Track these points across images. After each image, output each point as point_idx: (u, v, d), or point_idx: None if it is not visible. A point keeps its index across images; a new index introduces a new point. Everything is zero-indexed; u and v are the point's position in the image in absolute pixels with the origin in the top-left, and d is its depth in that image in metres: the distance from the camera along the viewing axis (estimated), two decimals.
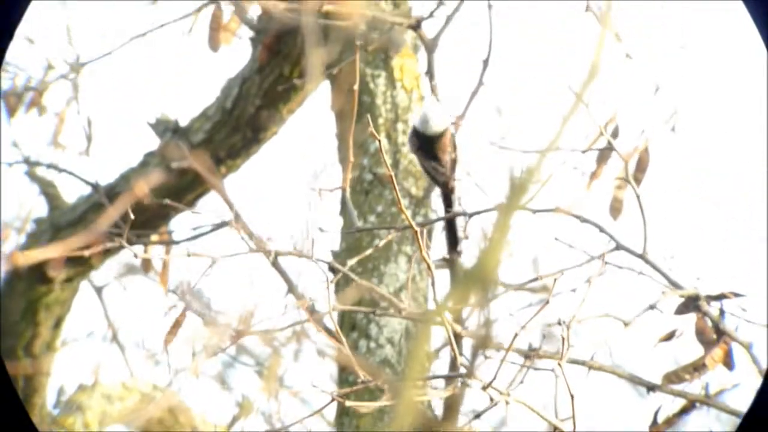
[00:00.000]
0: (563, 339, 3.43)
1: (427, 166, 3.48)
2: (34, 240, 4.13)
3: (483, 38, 3.64)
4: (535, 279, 3.91)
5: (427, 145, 3.40)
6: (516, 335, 3.47)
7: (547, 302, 3.76)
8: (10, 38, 2.98)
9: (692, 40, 4.15)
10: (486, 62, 3.66)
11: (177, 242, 3.62)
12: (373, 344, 3.66)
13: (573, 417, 3.37)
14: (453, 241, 3.57)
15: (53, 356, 4.29)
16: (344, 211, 3.69)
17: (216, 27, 3.82)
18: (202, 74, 4.16)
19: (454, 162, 3.52)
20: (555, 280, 3.63)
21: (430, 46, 3.59)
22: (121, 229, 3.33)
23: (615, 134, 4.17)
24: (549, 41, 3.77)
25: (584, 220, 3.67)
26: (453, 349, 3.37)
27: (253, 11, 3.87)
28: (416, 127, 3.44)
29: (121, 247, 3.39)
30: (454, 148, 3.51)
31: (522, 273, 4.09)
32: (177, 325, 3.40)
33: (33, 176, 4.23)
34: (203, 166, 3.67)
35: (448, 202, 3.50)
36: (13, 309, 4.21)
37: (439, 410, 3.39)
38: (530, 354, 3.67)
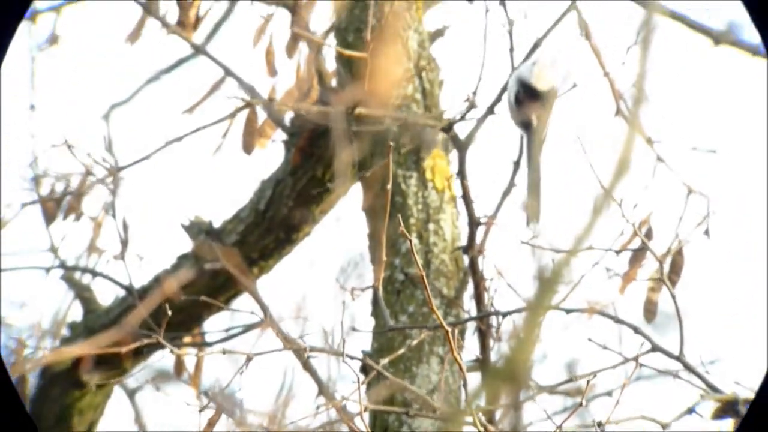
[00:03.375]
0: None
1: (523, 118, 3.46)
2: (68, 344, 4.14)
3: (514, 139, 3.66)
4: (569, 381, 3.88)
5: (529, 93, 3.42)
6: None
7: (581, 404, 3.72)
8: (10, 38, 3.01)
9: (723, 142, 4.16)
10: (517, 163, 3.67)
11: (210, 343, 3.62)
12: None
13: None
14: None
15: None
16: (376, 310, 3.68)
17: (250, 131, 3.87)
18: (236, 176, 4.19)
19: (544, 125, 3.51)
20: (588, 382, 3.59)
21: (462, 147, 3.61)
22: (154, 330, 3.33)
23: (649, 235, 4.16)
24: (581, 142, 3.78)
25: (619, 321, 3.64)
26: None
27: (287, 115, 3.92)
28: (524, 77, 3.47)
29: (154, 347, 3.39)
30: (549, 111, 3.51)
31: (556, 374, 4.05)
32: (210, 426, 3.38)
33: (69, 281, 4.25)
34: (236, 266, 3.68)
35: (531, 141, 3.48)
36: (47, 415, 4.21)
37: None
38: None
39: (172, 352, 3.30)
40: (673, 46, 4.05)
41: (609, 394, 4.63)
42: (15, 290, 4.23)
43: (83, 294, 4.19)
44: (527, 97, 3.47)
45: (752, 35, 3.55)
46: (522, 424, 3.54)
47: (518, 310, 3.47)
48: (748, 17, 3.05)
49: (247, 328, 3.45)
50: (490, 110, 3.61)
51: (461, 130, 3.65)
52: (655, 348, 3.56)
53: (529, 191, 3.50)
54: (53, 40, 4.35)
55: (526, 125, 3.52)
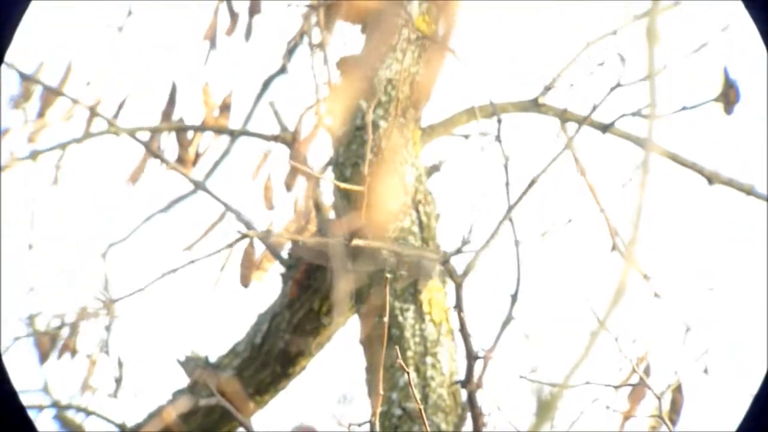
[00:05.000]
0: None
1: None
2: None
3: (511, 273, 3.65)
4: None
5: None
6: None
7: None
8: (10, 38, 2.99)
9: (720, 280, 4.15)
10: (514, 297, 3.65)
11: None
12: None
13: None
14: None
15: None
16: None
17: (248, 263, 3.86)
18: (233, 310, 4.17)
19: None
20: None
21: (459, 281, 3.60)
22: None
23: (647, 372, 4.12)
24: (578, 274, 3.78)
25: None
26: None
27: (284, 247, 3.91)
28: None
29: None
30: None
31: None
32: None
33: (62, 420, 4.19)
34: (233, 398, 3.64)
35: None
36: None
37: None
38: None
39: None
40: (669, 183, 4.07)
41: None
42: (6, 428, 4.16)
43: None
44: None
45: (749, 101, 3.54)
46: None
47: None
48: (748, 17, 3.05)
49: None
50: (486, 244, 3.61)
51: (458, 263, 3.65)
52: None
53: None
54: (54, 180, 4.37)
55: None
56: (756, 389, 2.96)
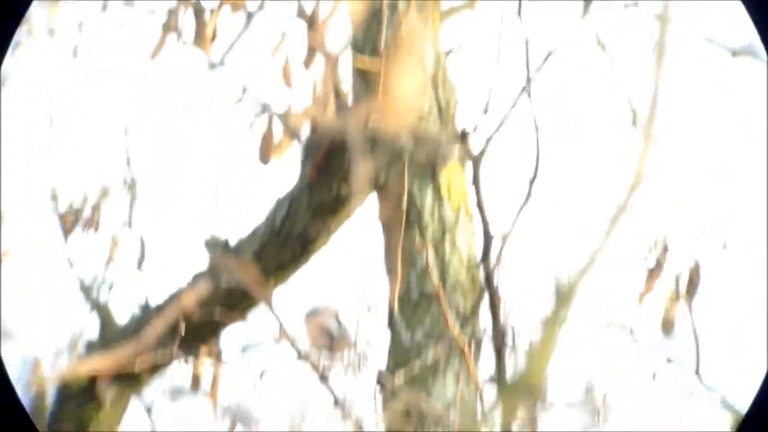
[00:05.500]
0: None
1: None
2: (85, 358, 4.13)
3: (531, 152, 3.65)
4: (585, 397, 3.85)
5: None
6: None
7: (597, 421, 3.70)
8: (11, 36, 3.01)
9: (740, 158, 4.13)
10: (533, 178, 3.65)
11: (226, 357, 3.61)
12: None
13: None
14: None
15: None
16: (392, 326, 3.67)
17: (267, 141, 3.86)
18: (252, 193, 4.19)
19: None
20: (604, 398, 3.57)
21: (476, 160, 3.59)
22: (170, 345, 3.33)
23: (665, 253, 4.14)
24: (596, 154, 3.77)
25: (636, 337, 3.62)
26: None
27: (303, 129, 3.91)
28: None
29: (170, 362, 3.39)
30: None
31: (574, 391, 4.03)
32: None
33: (86, 297, 4.25)
34: (252, 279, 3.68)
35: None
36: (64, 430, 4.20)
37: None
38: None
39: (186, 361, 3.30)
40: (688, 56, 4.03)
41: (626, 410, 4.61)
42: (32, 305, 4.23)
43: (100, 310, 4.18)
44: None
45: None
46: None
47: (534, 325, 3.44)
48: (748, 17, 3.03)
49: (263, 342, 3.44)
50: (504, 120, 3.60)
51: (476, 144, 3.64)
52: (672, 363, 3.54)
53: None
54: (74, 52, 4.36)
55: None
56: (755, 390, 2.99)
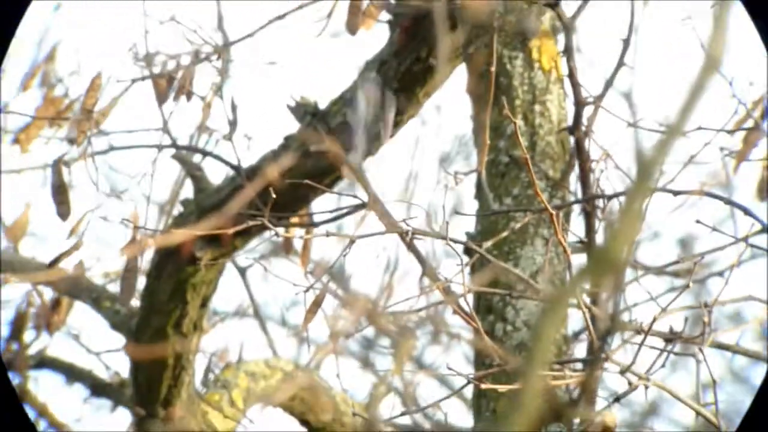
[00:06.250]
0: (705, 323, 3.37)
1: None
2: (180, 221, 4.21)
3: (624, 15, 3.59)
4: (676, 262, 3.84)
5: None
6: (655, 319, 3.42)
7: (688, 286, 3.69)
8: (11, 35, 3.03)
9: None
10: (627, 41, 3.60)
11: (316, 224, 3.65)
12: (509, 327, 3.63)
13: (715, 402, 3.30)
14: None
15: (200, 335, 4.38)
16: (480, 193, 3.67)
17: (355, 10, 3.83)
18: (341, 57, 4.18)
19: None
20: (696, 263, 3.55)
21: (568, 25, 3.55)
22: (262, 211, 3.38)
23: (762, 115, 4.06)
24: (689, 20, 3.69)
25: (729, 202, 3.59)
26: (590, 332, 3.34)
27: None
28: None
29: (263, 228, 3.43)
30: None
31: (667, 256, 4.02)
32: (316, 305, 3.43)
33: (181, 160, 4.31)
34: (341, 148, 3.69)
35: None
36: (162, 289, 4.31)
37: (575, 394, 3.36)
38: (671, 338, 3.60)
39: (276, 234, 3.35)
40: None
41: (719, 274, 4.59)
42: (128, 167, 4.31)
43: (194, 173, 4.24)
44: None
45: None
46: (619, 304, 3.53)
47: (624, 192, 3.43)
48: (748, 17, 2.94)
49: (353, 209, 3.47)
50: None
51: (568, 8, 3.58)
52: (766, 229, 3.50)
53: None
54: None
55: None
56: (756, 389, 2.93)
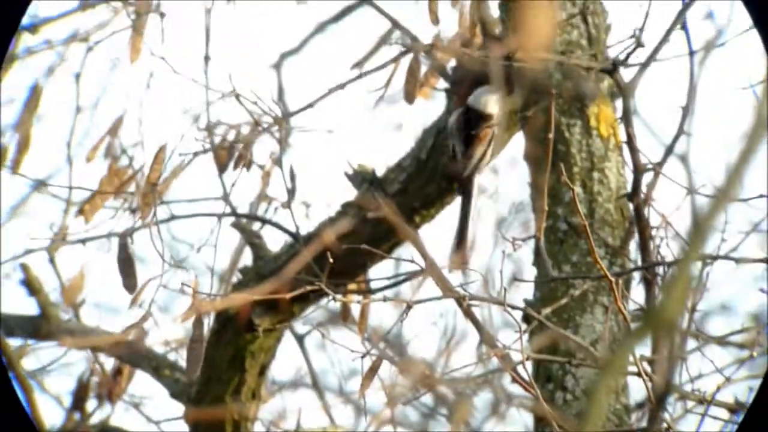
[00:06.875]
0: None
1: (455, 146, 3.56)
2: (239, 289, 4.24)
3: (683, 84, 3.58)
4: (740, 331, 3.80)
5: (471, 121, 3.54)
6: (718, 388, 3.38)
7: (752, 356, 3.64)
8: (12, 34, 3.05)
9: None
10: (686, 108, 3.59)
11: (373, 291, 3.66)
12: (569, 396, 3.60)
13: None
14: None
15: (259, 403, 4.38)
16: (538, 260, 3.66)
17: (412, 80, 3.87)
18: (399, 125, 4.21)
19: (483, 156, 3.59)
20: (759, 332, 3.51)
21: (627, 92, 3.54)
22: (319, 277, 3.39)
23: None
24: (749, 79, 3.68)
25: None
26: (649, 400, 3.30)
27: (449, 63, 3.90)
28: (469, 103, 3.54)
29: (321, 293, 3.45)
30: (489, 143, 3.58)
31: (732, 324, 3.97)
32: (373, 371, 3.43)
33: (240, 228, 4.34)
34: (397, 216, 3.71)
35: (465, 196, 3.60)
36: (222, 357, 4.32)
37: None
38: (736, 408, 3.56)
39: (334, 299, 3.35)
40: None
41: None
42: (190, 236, 4.35)
43: (253, 241, 4.27)
44: (468, 122, 3.54)
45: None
46: (682, 374, 3.49)
47: (682, 260, 3.40)
48: (749, 17, 2.92)
49: (409, 276, 3.48)
50: (656, 52, 3.53)
51: (626, 75, 3.59)
52: None
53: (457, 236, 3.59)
54: None
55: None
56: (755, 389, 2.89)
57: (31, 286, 4.55)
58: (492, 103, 3.64)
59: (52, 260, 4.61)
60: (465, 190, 3.64)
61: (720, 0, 3.92)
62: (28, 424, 2.99)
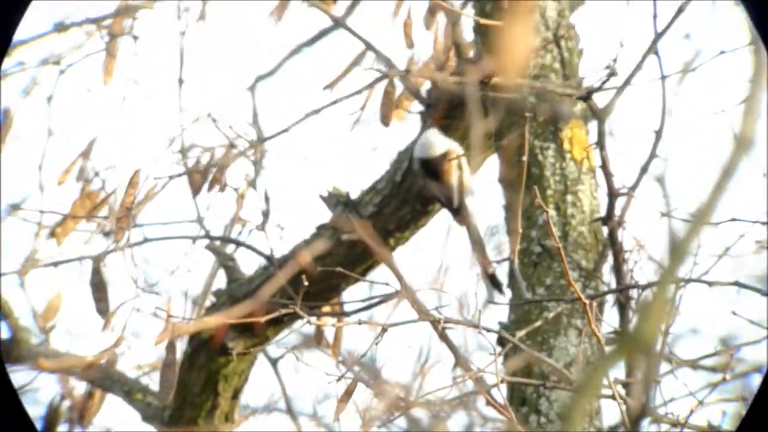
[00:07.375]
0: (742, 416, 3.33)
1: (437, 193, 3.59)
2: (213, 312, 4.23)
3: (656, 108, 3.61)
4: (712, 354, 3.82)
5: (431, 170, 3.56)
6: (692, 411, 3.39)
7: (725, 379, 3.65)
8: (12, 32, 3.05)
9: None
10: (659, 133, 3.61)
11: (348, 313, 3.66)
12: (543, 419, 3.61)
13: None
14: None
15: (233, 426, 4.37)
16: (512, 282, 3.67)
17: (387, 103, 3.88)
18: (373, 148, 4.22)
19: (461, 184, 3.63)
20: (732, 356, 3.53)
21: (601, 117, 3.57)
22: (293, 300, 3.39)
23: None
24: (724, 106, 3.71)
25: (766, 294, 3.57)
26: (624, 423, 3.31)
27: (424, 86, 3.92)
28: (418, 155, 3.60)
29: (295, 317, 3.44)
30: (460, 169, 3.62)
31: (706, 349, 4.00)
32: (347, 394, 3.43)
33: (214, 250, 4.34)
34: (372, 238, 3.71)
35: (465, 221, 3.63)
36: (195, 381, 4.31)
37: None
38: (709, 431, 3.57)
39: (309, 322, 3.35)
40: None
41: (757, 369, 4.54)
42: (163, 259, 4.34)
43: (227, 263, 4.26)
44: (429, 171, 3.60)
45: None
46: (656, 397, 3.50)
47: (658, 283, 3.41)
48: (748, 17, 2.96)
49: (384, 299, 3.48)
50: (630, 79, 3.56)
51: (600, 100, 3.61)
52: None
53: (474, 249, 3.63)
54: (201, 16, 4.43)
55: (443, 203, 3.60)
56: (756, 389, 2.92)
57: (1, 309, 4.53)
58: (436, 144, 3.69)
59: (22, 284, 4.60)
60: (463, 216, 3.67)
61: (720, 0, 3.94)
62: (28, 424, 2.97)
